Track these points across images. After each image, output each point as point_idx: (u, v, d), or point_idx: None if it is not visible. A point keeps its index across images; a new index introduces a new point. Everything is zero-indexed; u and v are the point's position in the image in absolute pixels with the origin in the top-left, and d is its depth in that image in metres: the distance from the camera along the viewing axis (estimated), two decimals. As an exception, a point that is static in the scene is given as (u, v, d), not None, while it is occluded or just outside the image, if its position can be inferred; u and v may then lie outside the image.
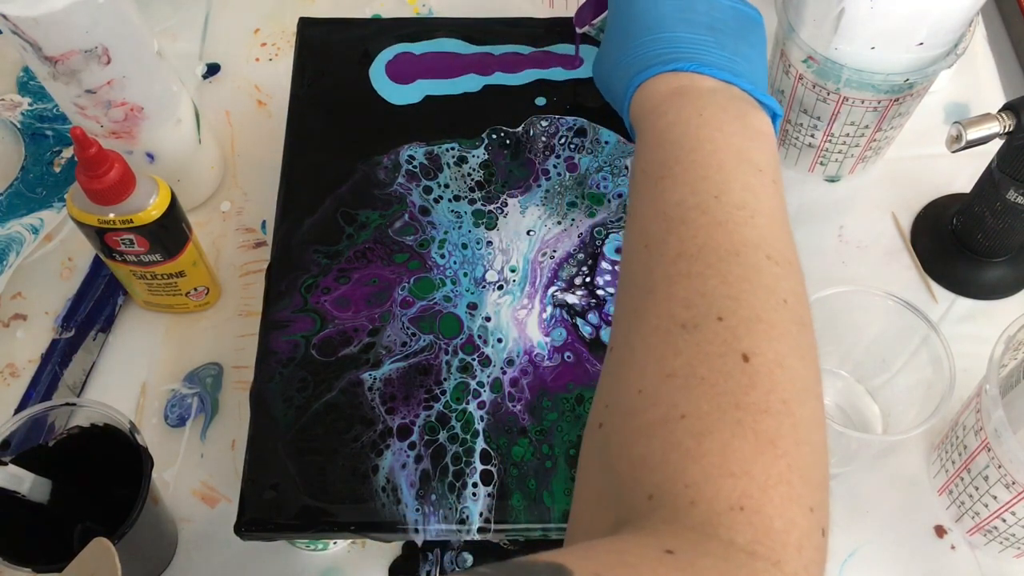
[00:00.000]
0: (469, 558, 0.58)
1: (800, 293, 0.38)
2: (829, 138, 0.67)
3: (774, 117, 0.46)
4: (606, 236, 0.61)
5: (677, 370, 0.34)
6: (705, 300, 0.36)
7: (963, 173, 0.71)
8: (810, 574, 0.32)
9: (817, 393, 0.36)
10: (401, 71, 0.67)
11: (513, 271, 0.59)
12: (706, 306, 0.36)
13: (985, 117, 0.58)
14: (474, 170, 0.63)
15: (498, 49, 0.68)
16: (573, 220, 0.61)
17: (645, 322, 0.37)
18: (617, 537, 0.32)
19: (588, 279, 0.59)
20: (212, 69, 0.78)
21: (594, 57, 0.56)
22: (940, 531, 0.59)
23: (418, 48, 0.68)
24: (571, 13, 0.71)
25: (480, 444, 0.54)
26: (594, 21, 0.61)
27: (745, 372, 0.34)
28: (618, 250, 0.60)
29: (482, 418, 0.54)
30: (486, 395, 0.55)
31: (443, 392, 0.55)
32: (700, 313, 0.35)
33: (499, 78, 0.67)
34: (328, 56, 0.68)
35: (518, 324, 0.58)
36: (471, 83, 0.67)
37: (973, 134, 0.57)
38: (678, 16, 0.47)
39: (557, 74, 0.67)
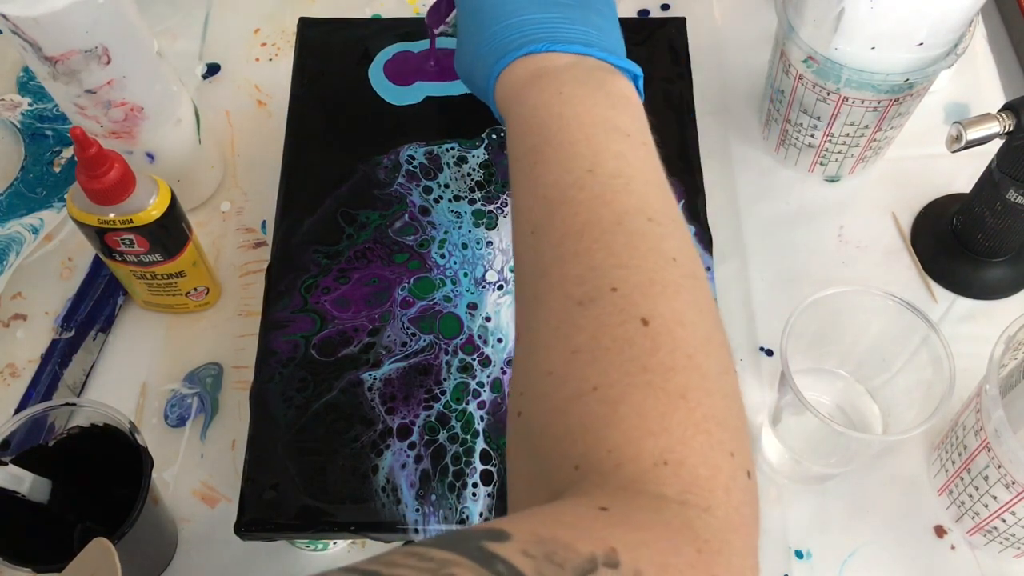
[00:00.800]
0: (469, 558, 0.58)
1: (687, 249, 0.39)
2: (829, 138, 0.67)
3: (635, 79, 0.47)
4: (606, 236, 0.61)
5: (581, 345, 0.35)
6: (596, 274, 0.37)
7: (963, 173, 0.71)
8: (741, 515, 0.33)
9: (720, 341, 0.37)
10: (401, 71, 0.67)
11: (513, 271, 0.59)
12: (598, 279, 0.36)
13: (985, 117, 0.58)
14: (474, 170, 0.63)
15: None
16: (573, 220, 0.61)
17: (543, 305, 0.38)
18: (552, 503, 0.33)
19: (588, 279, 0.59)
20: (212, 69, 0.78)
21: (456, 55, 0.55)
22: (940, 531, 0.59)
23: (416, 47, 0.68)
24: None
25: (480, 444, 0.54)
26: (447, 19, 0.61)
27: (647, 335, 0.35)
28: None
29: (482, 418, 0.54)
30: (486, 395, 0.55)
31: (443, 392, 0.55)
32: (594, 287, 0.36)
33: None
34: (328, 56, 0.68)
35: (518, 324, 0.58)
36: (471, 83, 0.67)
37: (973, 134, 0.57)
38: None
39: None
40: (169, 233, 0.59)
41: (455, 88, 0.66)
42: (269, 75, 0.78)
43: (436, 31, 0.63)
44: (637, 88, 0.47)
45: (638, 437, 0.33)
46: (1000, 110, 0.58)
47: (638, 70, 0.47)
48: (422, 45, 0.68)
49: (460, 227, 0.61)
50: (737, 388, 0.37)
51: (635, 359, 0.34)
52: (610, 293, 0.36)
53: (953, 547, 0.59)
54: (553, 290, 0.37)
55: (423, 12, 0.80)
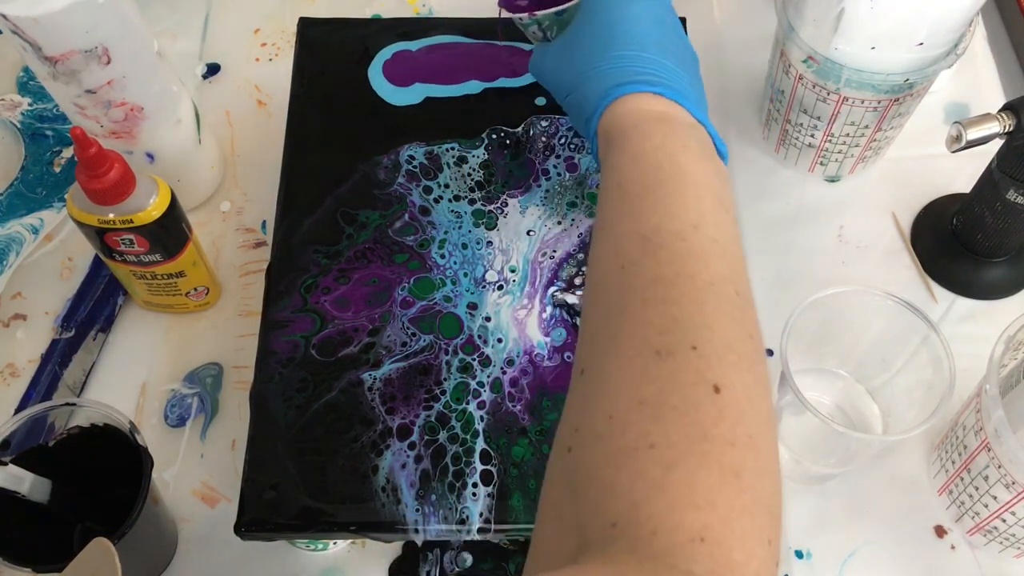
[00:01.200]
0: (469, 558, 0.58)
1: (759, 330, 0.39)
2: (829, 138, 0.67)
3: (723, 156, 0.48)
4: (606, 236, 0.61)
5: (649, 398, 0.35)
6: (680, 328, 0.36)
7: (963, 173, 0.71)
8: None
9: (775, 426, 0.38)
10: (400, 72, 0.67)
11: (513, 271, 0.59)
12: (681, 334, 0.36)
13: (985, 117, 0.58)
14: (474, 170, 0.63)
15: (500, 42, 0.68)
16: (573, 220, 0.61)
17: (619, 345, 0.37)
18: (576, 568, 0.32)
19: (588, 279, 0.59)
20: (212, 69, 0.78)
21: (541, 52, 0.55)
22: (940, 531, 0.59)
23: (415, 45, 0.68)
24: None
25: (480, 444, 0.54)
26: (536, 13, 0.56)
27: (715, 403, 0.34)
28: (618, 250, 0.60)
29: (482, 418, 0.54)
30: (486, 395, 0.55)
31: (443, 392, 0.55)
32: (675, 340, 0.36)
33: (501, 82, 0.67)
34: (328, 56, 0.68)
35: (518, 324, 0.58)
36: (472, 88, 0.67)
37: (973, 134, 0.57)
38: (656, 41, 0.49)
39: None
40: (169, 233, 0.59)
41: (455, 89, 0.66)
42: (269, 75, 0.78)
43: (516, 17, 0.57)
44: None
45: (681, 507, 0.32)
46: (1000, 110, 0.58)
47: (726, 149, 0.48)
48: (420, 44, 0.68)
49: (460, 227, 0.61)
50: (780, 475, 0.36)
51: (699, 424, 0.34)
52: (690, 351, 0.35)
53: (953, 547, 0.59)
54: (633, 332, 0.37)
55: (423, 12, 0.80)
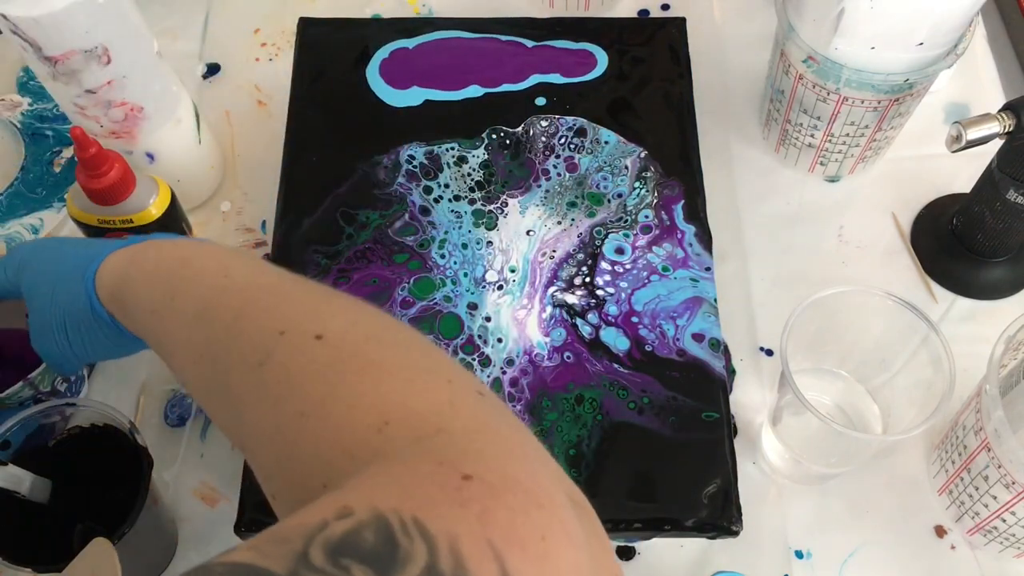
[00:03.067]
0: (469, 558, 0.58)
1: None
2: (829, 138, 0.67)
3: None
4: (606, 236, 0.61)
5: (270, 380, 0.37)
6: (264, 334, 0.38)
7: (963, 173, 0.71)
8: (478, 420, 0.33)
9: (399, 332, 0.39)
10: (398, 72, 0.67)
11: (513, 271, 0.59)
12: (266, 338, 0.38)
13: (985, 117, 0.58)
14: (474, 170, 0.63)
15: (503, 37, 0.68)
16: (573, 220, 0.61)
17: (233, 381, 0.38)
18: (380, 468, 0.32)
19: (588, 279, 0.59)
20: (212, 69, 0.78)
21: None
22: (940, 531, 0.59)
23: (412, 43, 0.68)
24: (571, 13, 0.70)
25: (480, 444, 0.53)
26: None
27: (326, 346, 0.36)
28: (618, 250, 0.61)
29: (482, 418, 0.54)
30: (486, 395, 0.55)
31: (443, 392, 0.55)
32: (264, 343, 0.38)
33: (504, 87, 0.67)
34: (328, 56, 0.68)
35: (518, 324, 0.58)
36: (473, 92, 0.66)
37: (973, 134, 0.57)
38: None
39: (558, 78, 0.67)
40: (169, 233, 0.59)
41: (454, 94, 0.66)
42: (269, 75, 0.78)
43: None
44: None
45: (357, 419, 0.33)
46: (1000, 110, 0.58)
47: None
48: (418, 41, 0.68)
49: (460, 227, 0.61)
50: (426, 343, 0.38)
51: (329, 366, 0.35)
52: (279, 336, 0.37)
53: (953, 547, 0.59)
54: (236, 367, 0.38)
55: (423, 12, 0.80)
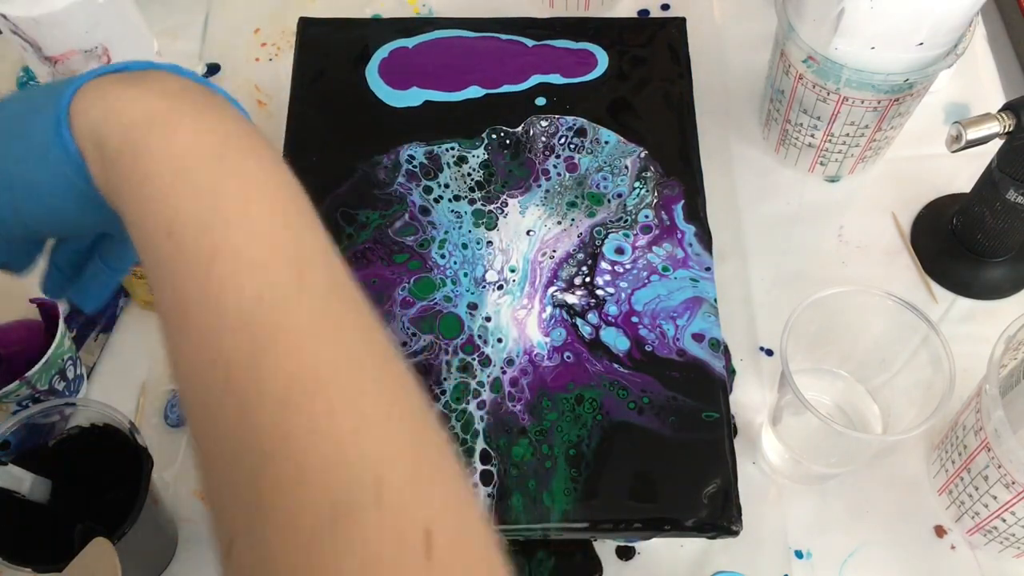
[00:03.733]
0: (469, 558, 0.58)
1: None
2: (829, 138, 0.67)
3: None
4: (606, 236, 0.61)
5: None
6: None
7: (963, 173, 0.71)
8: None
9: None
10: (398, 72, 0.67)
11: (513, 271, 0.59)
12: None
13: (985, 117, 0.58)
14: (474, 170, 0.63)
15: (503, 36, 0.68)
16: (573, 220, 0.61)
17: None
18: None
19: (588, 279, 0.59)
20: (212, 69, 0.78)
21: None
22: (940, 531, 0.59)
23: (412, 42, 0.68)
24: (572, 13, 0.71)
25: (480, 444, 0.54)
26: None
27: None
28: (618, 250, 0.61)
29: (482, 418, 0.54)
30: (486, 395, 0.55)
31: (443, 392, 0.55)
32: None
33: (504, 88, 0.67)
34: (328, 56, 0.68)
35: (518, 324, 0.58)
36: (473, 93, 0.66)
37: (973, 134, 0.57)
38: None
39: (558, 78, 0.67)
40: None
41: (455, 95, 0.66)
42: (269, 75, 0.78)
43: None
44: None
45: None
46: (1000, 110, 0.58)
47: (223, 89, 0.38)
48: (418, 40, 0.68)
49: (460, 227, 0.61)
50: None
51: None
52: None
53: (953, 547, 0.59)
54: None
55: (423, 12, 0.80)
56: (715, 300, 0.59)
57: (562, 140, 0.64)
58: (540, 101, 0.66)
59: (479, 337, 0.57)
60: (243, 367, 0.29)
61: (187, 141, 0.33)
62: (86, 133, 0.34)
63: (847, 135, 0.66)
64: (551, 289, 0.59)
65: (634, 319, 0.58)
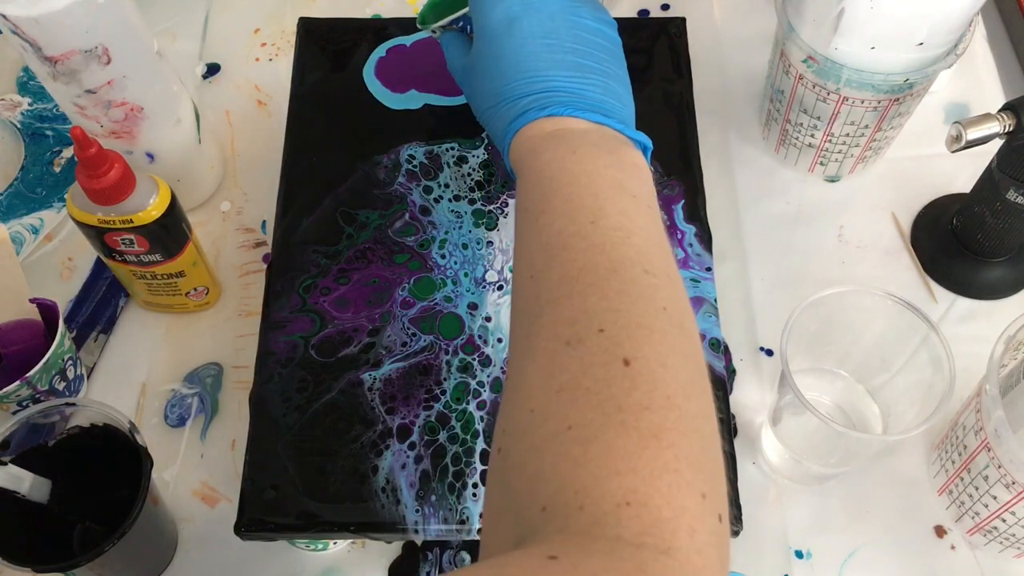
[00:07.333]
0: (468, 558, 0.58)
1: (679, 301, 0.40)
2: (829, 138, 0.67)
3: (645, 150, 0.49)
4: (606, 236, 0.61)
5: (565, 384, 0.36)
6: (587, 316, 0.37)
7: (963, 173, 0.71)
8: (704, 556, 0.32)
9: (703, 388, 0.37)
10: (396, 73, 0.67)
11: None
12: (587, 321, 0.37)
13: (985, 117, 0.58)
14: (474, 170, 0.63)
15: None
16: (573, 220, 0.61)
17: (533, 345, 0.38)
18: (504, 554, 0.32)
19: (588, 279, 0.59)
20: (212, 69, 0.78)
21: (456, 68, 0.56)
22: (940, 531, 0.60)
23: (410, 40, 0.68)
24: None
25: (480, 444, 0.54)
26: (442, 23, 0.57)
27: (627, 375, 0.35)
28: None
29: (482, 418, 0.54)
30: (486, 395, 0.55)
31: (443, 392, 0.55)
32: (583, 328, 0.37)
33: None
34: (328, 56, 0.68)
35: (518, 324, 0.58)
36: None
37: (973, 134, 0.57)
38: (547, 55, 0.48)
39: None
40: (169, 233, 0.59)
41: (454, 100, 0.66)
42: (269, 75, 0.78)
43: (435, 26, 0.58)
44: (647, 158, 0.49)
45: (604, 476, 0.32)
46: (1000, 110, 0.58)
47: (648, 142, 0.49)
48: (416, 38, 0.68)
49: (460, 227, 0.61)
50: (716, 433, 0.37)
51: (612, 398, 0.34)
52: (597, 334, 0.36)
53: (953, 547, 0.59)
54: (544, 331, 0.38)
55: (423, 12, 0.80)
56: (715, 300, 0.59)
57: (562, 140, 0.64)
58: (540, 101, 0.66)
59: (479, 337, 0.57)
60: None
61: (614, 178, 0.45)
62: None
63: (847, 135, 0.66)
64: (551, 289, 0.59)
65: (634, 319, 0.58)
